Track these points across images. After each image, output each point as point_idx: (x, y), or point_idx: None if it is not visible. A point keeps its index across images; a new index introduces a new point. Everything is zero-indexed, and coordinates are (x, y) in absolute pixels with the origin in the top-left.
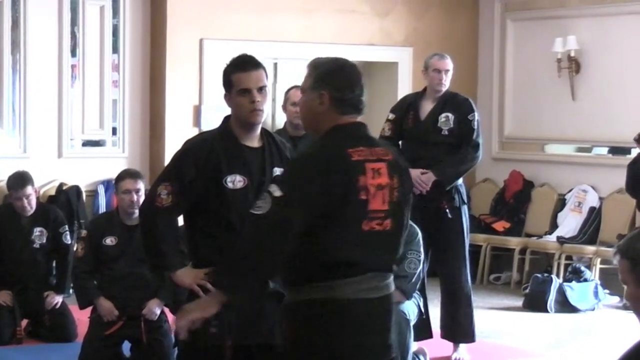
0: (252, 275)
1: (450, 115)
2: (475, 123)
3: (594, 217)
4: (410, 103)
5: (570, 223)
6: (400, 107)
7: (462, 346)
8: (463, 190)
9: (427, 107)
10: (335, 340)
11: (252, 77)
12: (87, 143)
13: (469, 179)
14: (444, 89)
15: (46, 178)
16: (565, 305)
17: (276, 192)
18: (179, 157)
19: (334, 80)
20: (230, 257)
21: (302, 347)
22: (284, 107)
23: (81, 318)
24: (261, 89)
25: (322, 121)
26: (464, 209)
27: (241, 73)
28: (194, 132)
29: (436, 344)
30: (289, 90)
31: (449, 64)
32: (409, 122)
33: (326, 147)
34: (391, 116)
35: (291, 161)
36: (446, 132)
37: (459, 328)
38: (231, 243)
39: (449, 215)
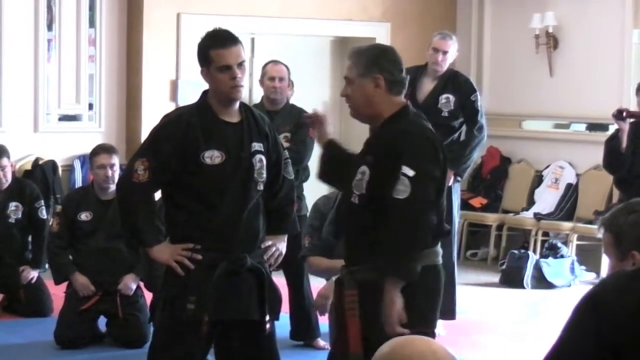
0: (418, 252)
1: (451, 96)
2: (478, 103)
3: (570, 194)
4: (409, 80)
5: (547, 199)
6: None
7: (439, 322)
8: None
9: (426, 85)
10: (435, 302)
11: (233, 53)
12: (63, 118)
13: None
14: (440, 69)
15: (22, 152)
16: (541, 281)
17: (409, 172)
18: (156, 132)
19: (385, 63)
20: (394, 245)
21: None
22: (261, 82)
23: (57, 293)
24: (240, 65)
25: (379, 104)
26: (456, 186)
27: (220, 49)
28: (171, 107)
29: None
30: (266, 64)
31: (449, 45)
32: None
33: (422, 126)
34: None
35: (408, 140)
36: (446, 114)
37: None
38: (208, 218)
39: (450, 188)
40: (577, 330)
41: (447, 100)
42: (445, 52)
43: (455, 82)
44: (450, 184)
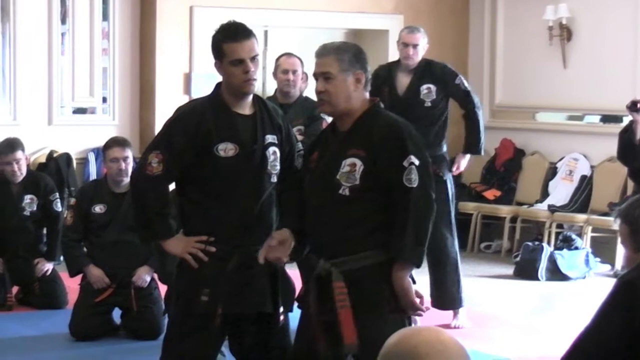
0: (427, 237)
1: (432, 86)
2: (464, 83)
3: (585, 186)
4: (383, 79)
5: (561, 191)
6: (373, 80)
7: (461, 313)
8: (447, 158)
9: (403, 79)
10: None
11: (245, 47)
12: (77, 111)
13: (459, 147)
14: (412, 62)
15: (36, 145)
16: (555, 273)
17: (416, 160)
18: (169, 125)
19: (364, 61)
20: (409, 231)
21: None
22: (275, 75)
23: (71, 285)
24: (254, 58)
25: (356, 100)
26: (449, 176)
27: (234, 43)
28: (184, 99)
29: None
30: (279, 57)
31: (418, 38)
32: (385, 98)
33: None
34: None
35: (405, 132)
36: (429, 104)
37: (447, 295)
38: (221, 211)
39: (443, 178)
40: (610, 313)
41: (428, 91)
42: (415, 46)
43: (432, 71)
44: (454, 173)
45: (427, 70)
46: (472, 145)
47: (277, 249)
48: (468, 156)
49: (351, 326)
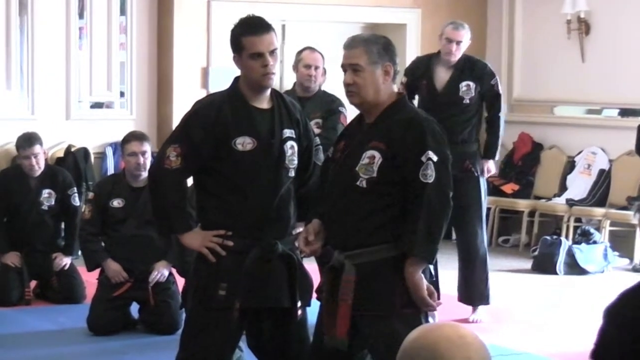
0: (441, 234)
1: (471, 83)
2: (499, 86)
3: (603, 179)
4: (423, 71)
5: (579, 185)
6: (412, 71)
7: (480, 308)
8: (480, 155)
9: (442, 74)
10: None
11: (264, 40)
12: (95, 105)
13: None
14: (454, 59)
15: (54, 140)
16: (574, 268)
17: (434, 157)
18: (187, 118)
19: (393, 53)
20: (421, 226)
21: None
22: (295, 68)
23: (89, 280)
24: (273, 52)
25: (383, 92)
26: (483, 175)
27: (253, 36)
28: (202, 94)
29: (449, 307)
30: (302, 51)
31: (462, 35)
32: (423, 91)
33: (427, 114)
34: (404, 79)
35: (426, 127)
36: (467, 101)
37: (474, 291)
38: (239, 205)
39: (476, 175)
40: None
41: (467, 88)
42: (459, 42)
43: (473, 68)
44: (489, 174)
45: (468, 67)
46: (490, 150)
47: (313, 242)
48: (492, 162)
49: (346, 322)
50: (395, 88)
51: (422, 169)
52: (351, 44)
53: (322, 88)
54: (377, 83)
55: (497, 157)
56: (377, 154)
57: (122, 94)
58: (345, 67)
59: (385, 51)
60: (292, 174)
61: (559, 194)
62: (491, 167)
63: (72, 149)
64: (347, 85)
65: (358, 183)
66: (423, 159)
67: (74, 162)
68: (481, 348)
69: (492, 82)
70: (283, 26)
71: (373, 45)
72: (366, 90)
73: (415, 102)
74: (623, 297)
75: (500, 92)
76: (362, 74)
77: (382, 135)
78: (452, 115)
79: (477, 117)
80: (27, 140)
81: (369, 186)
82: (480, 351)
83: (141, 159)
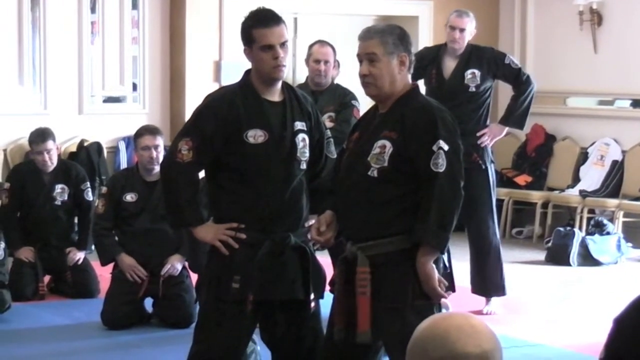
0: (453, 224)
1: (476, 71)
2: (514, 61)
3: (616, 170)
4: (430, 60)
5: (592, 176)
6: (418, 61)
7: (493, 300)
8: (489, 150)
9: (449, 63)
10: None
11: (275, 32)
12: (107, 99)
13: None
14: (458, 47)
15: (67, 135)
16: (587, 259)
17: (445, 146)
18: (199, 112)
19: (408, 43)
20: (433, 215)
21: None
22: (307, 62)
23: (103, 274)
24: (283, 44)
25: (399, 82)
26: (491, 166)
27: (263, 29)
28: (214, 87)
29: (463, 298)
30: (312, 45)
31: (466, 22)
32: (432, 80)
33: (439, 104)
34: None
35: (438, 116)
36: (473, 89)
37: (488, 282)
38: (252, 198)
39: (483, 167)
40: None
41: (472, 76)
42: (462, 30)
43: (478, 55)
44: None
45: (474, 55)
46: (505, 115)
47: (326, 232)
48: (505, 129)
49: (367, 315)
50: (410, 79)
51: (434, 158)
52: (367, 35)
53: (336, 81)
54: (393, 73)
55: (523, 129)
56: (388, 144)
57: (134, 88)
58: (361, 57)
59: (400, 41)
60: (303, 166)
61: (572, 185)
62: (495, 132)
63: (85, 144)
64: (363, 76)
65: (369, 173)
66: (434, 148)
67: (87, 156)
68: (492, 337)
69: (505, 61)
70: (295, 19)
71: (389, 35)
72: (382, 80)
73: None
74: (633, 306)
75: (517, 65)
76: (379, 64)
77: (393, 125)
78: (458, 104)
79: (486, 108)
80: (40, 136)
81: (380, 176)
82: (491, 340)
83: (154, 153)
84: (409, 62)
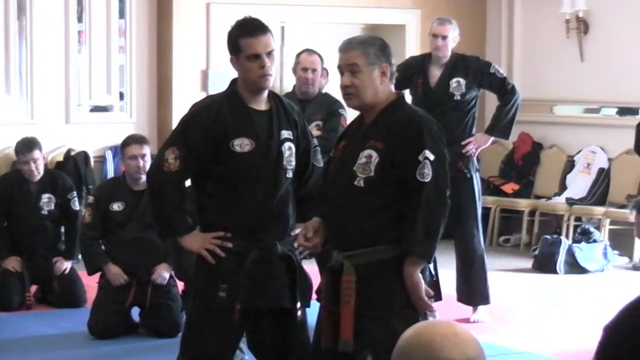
0: (439, 233)
1: (461, 80)
2: (499, 71)
3: (603, 178)
4: (416, 69)
5: (579, 184)
6: (404, 70)
7: (480, 308)
8: (474, 159)
9: (435, 72)
10: None
11: (262, 42)
12: (94, 109)
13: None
14: (442, 54)
15: (54, 144)
16: (574, 267)
17: (430, 155)
18: (186, 121)
19: (389, 54)
20: (419, 225)
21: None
22: (294, 70)
23: (90, 284)
24: (270, 54)
25: (381, 93)
26: (477, 175)
27: (250, 38)
28: (202, 96)
29: (450, 307)
30: (300, 54)
31: (448, 29)
32: (418, 89)
33: (426, 113)
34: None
35: (424, 125)
36: (458, 97)
37: (473, 291)
38: (238, 207)
39: (468, 176)
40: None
41: (457, 84)
42: (444, 37)
43: (464, 64)
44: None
45: (460, 64)
46: (490, 125)
47: (313, 238)
48: (490, 139)
49: (349, 324)
50: (393, 88)
51: (419, 167)
52: (348, 46)
53: (325, 89)
54: (375, 84)
55: (509, 139)
56: (374, 153)
57: (121, 97)
58: (342, 68)
59: (382, 52)
60: (290, 175)
61: (559, 193)
62: (480, 141)
63: (72, 153)
64: (345, 87)
65: (356, 183)
66: (420, 157)
67: (74, 166)
68: (476, 345)
69: (491, 70)
70: (282, 28)
71: (370, 46)
72: (365, 91)
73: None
74: (622, 313)
75: (502, 75)
76: (360, 75)
77: (379, 135)
78: (443, 113)
79: (471, 117)
80: (26, 146)
81: (366, 186)
82: (475, 348)
83: (141, 162)
84: (390, 73)
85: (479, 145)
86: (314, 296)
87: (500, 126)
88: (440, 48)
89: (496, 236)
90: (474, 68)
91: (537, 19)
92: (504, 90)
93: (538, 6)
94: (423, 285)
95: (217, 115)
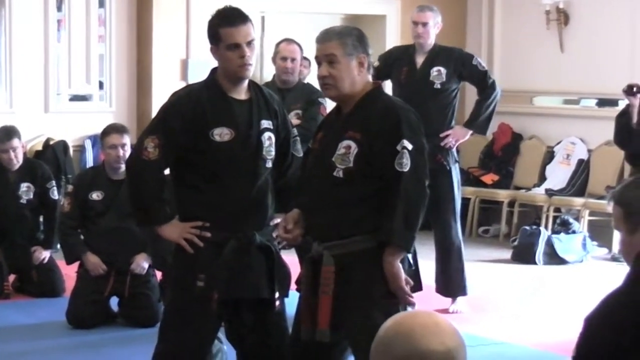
0: (418, 223)
1: (442, 69)
2: (482, 64)
3: (582, 169)
4: (398, 58)
5: (558, 175)
6: (386, 59)
7: (459, 299)
8: (453, 151)
9: (419, 61)
10: None
11: (241, 31)
12: (74, 98)
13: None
14: (423, 41)
15: (33, 133)
16: (553, 257)
17: (409, 145)
18: (165, 110)
19: (366, 45)
20: (398, 215)
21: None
22: (274, 60)
23: (69, 273)
24: (250, 43)
25: (359, 83)
26: (456, 166)
27: (230, 27)
28: (181, 85)
29: (429, 297)
30: (279, 43)
31: (428, 16)
32: (401, 77)
33: (404, 103)
34: (376, 63)
35: (402, 115)
36: (438, 86)
37: (451, 282)
38: (217, 196)
39: (447, 168)
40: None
41: (438, 73)
42: (425, 24)
43: (446, 54)
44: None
45: (442, 53)
46: (469, 119)
47: (293, 229)
48: (469, 132)
49: (327, 313)
50: (370, 78)
51: (398, 157)
52: (325, 37)
53: (307, 80)
54: (353, 75)
55: (486, 134)
56: (352, 144)
57: (101, 87)
58: (320, 59)
59: (359, 43)
60: (269, 164)
61: (539, 184)
62: (459, 134)
63: (51, 142)
64: (322, 77)
65: (335, 173)
66: (398, 147)
67: (53, 155)
68: (456, 335)
69: (473, 62)
70: (262, 17)
71: (347, 37)
72: (342, 82)
73: (387, 88)
74: (603, 304)
75: (484, 68)
76: (338, 65)
77: (358, 125)
78: (423, 102)
79: (451, 110)
80: (6, 134)
81: (345, 176)
82: (455, 338)
83: (121, 152)
84: (368, 63)
85: (458, 138)
86: (294, 287)
87: (479, 121)
88: (422, 35)
89: (475, 227)
90: (456, 58)
91: (518, 9)
92: (484, 84)
93: None
94: (403, 275)
95: (196, 105)
